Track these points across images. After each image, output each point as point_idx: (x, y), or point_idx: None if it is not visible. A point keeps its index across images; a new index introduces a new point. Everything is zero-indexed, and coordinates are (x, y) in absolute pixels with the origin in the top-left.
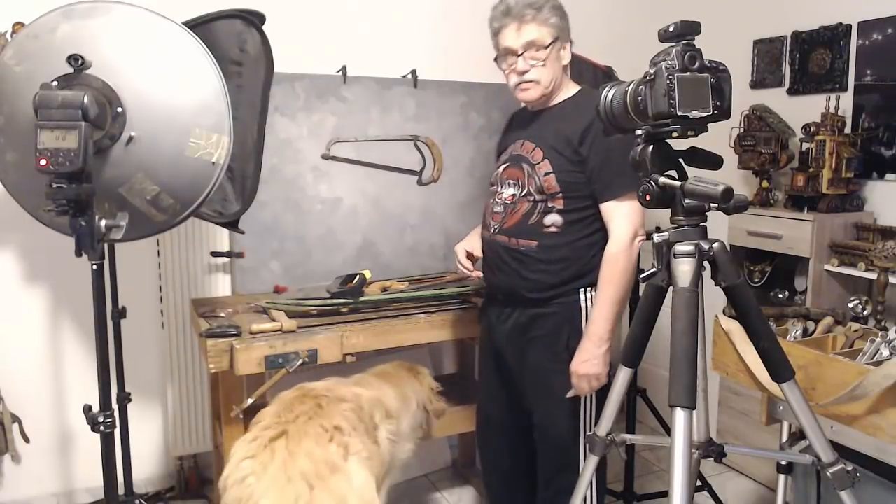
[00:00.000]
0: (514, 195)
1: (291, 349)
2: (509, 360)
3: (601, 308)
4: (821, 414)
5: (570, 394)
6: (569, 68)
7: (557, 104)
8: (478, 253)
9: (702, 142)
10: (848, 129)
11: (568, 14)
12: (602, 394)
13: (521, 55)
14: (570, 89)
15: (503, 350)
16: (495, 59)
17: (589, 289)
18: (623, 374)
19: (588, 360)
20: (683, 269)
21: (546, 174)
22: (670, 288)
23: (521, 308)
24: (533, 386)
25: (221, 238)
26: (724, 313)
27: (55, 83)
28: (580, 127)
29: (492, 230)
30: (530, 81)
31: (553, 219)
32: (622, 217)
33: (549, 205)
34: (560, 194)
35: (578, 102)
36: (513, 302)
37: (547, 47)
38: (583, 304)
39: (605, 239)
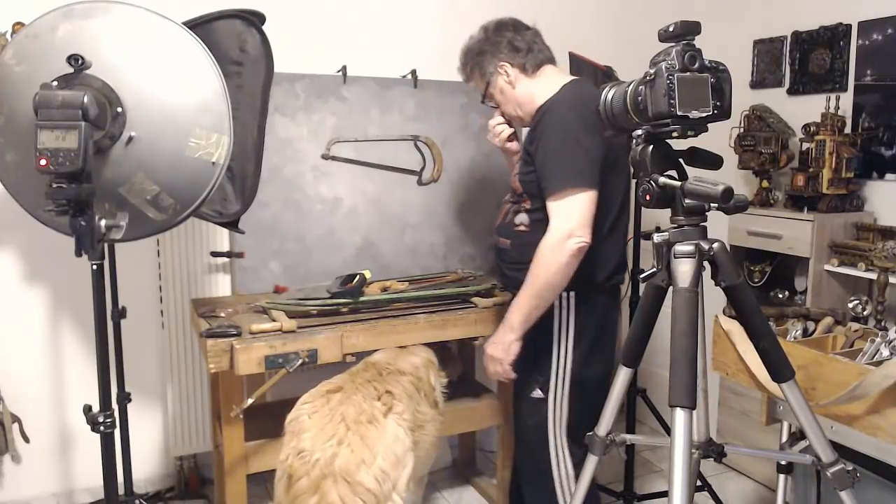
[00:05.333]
0: (507, 197)
1: (291, 349)
2: None
3: (518, 297)
4: (821, 414)
5: (536, 393)
6: (525, 76)
7: (536, 108)
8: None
9: (702, 142)
10: (848, 129)
11: (491, 42)
12: (577, 397)
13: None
14: (549, 91)
15: None
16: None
17: (561, 294)
18: (623, 374)
19: (493, 343)
20: (683, 269)
21: (514, 175)
22: (670, 288)
23: (509, 305)
24: (508, 385)
25: (221, 238)
26: (724, 313)
27: (55, 83)
28: (531, 127)
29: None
30: (509, 120)
31: (522, 218)
32: (555, 215)
33: (521, 205)
34: (525, 194)
35: (542, 106)
36: (511, 299)
37: (484, 97)
38: (555, 309)
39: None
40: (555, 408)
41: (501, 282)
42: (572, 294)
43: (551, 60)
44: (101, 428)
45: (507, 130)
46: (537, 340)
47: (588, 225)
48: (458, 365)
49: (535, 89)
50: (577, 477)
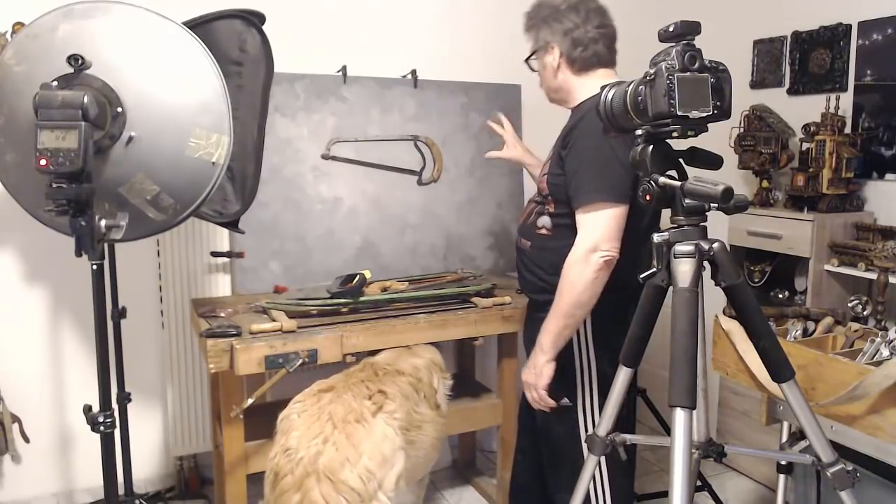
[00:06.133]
0: (533, 195)
1: (291, 349)
2: None
3: (547, 318)
4: (821, 414)
5: (563, 401)
6: (569, 69)
7: (575, 106)
8: (517, 151)
9: (702, 142)
10: (848, 129)
11: (558, 17)
12: (603, 397)
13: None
14: (589, 92)
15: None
16: None
17: None
18: (623, 374)
19: (526, 369)
20: (683, 269)
21: (542, 175)
22: (670, 288)
23: (530, 310)
24: (510, 385)
25: (221, 238)
26: (724, 313)
27: (55, 83)
28: (566, 130)
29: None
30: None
31: (544, 221)
32: (582, 228)
33: (545, 207)
34: (550, 197)
35: (580, 106)
36: (529, 302)
37: (531, 56)
38: None
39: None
40: (585, 414)
41: (519, 283)
42: None
43: (607, 64)
44: (101, 428)
45: (494, 155)
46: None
47: (615, 238)
48: None
49: (575, 86)
50: (610, 481)
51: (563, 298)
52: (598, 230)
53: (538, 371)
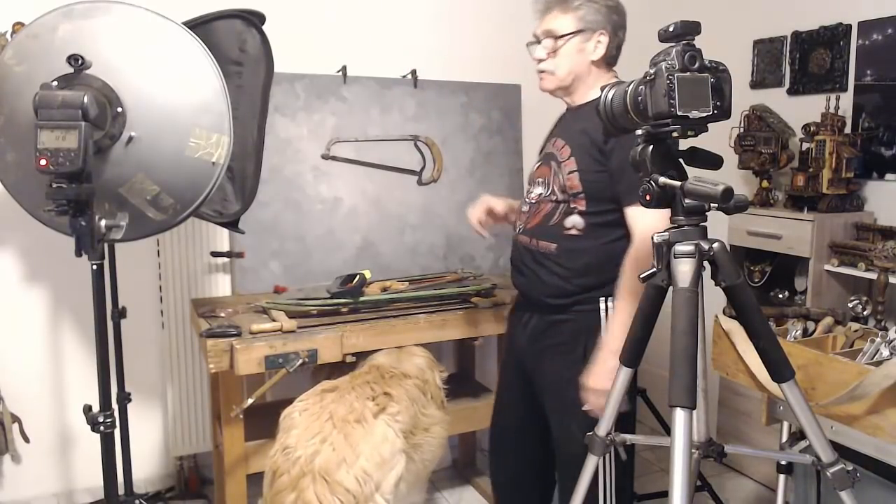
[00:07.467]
0: (540, 194)
1: (291, 349)
2: (528, 366)
3: (619, 317)
4: (821, 414)
5: (586, 406)
6: (601, 61)
7: (591, 101)
8: (499, 210)
9: (702, 142)
10: (848, 129)
11: (615, 10)
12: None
13: (539, 42)
14: (598, 91)
15: (523, 355)
16: (528, 45)
17: (610, 298)
18: (623, 374)
19: (599, 374)
20: (683, 269)
21: (570, 172)
22: (670, 288)
23: (539, 313)
24: (548, 395)
25: (221, 238)
26: (724, 313)
27: (55, 83)
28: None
29: (517, 230)
30: (544, 71)
31: (574, 221)
32: (642, 221)
33: (571, 206)
34: (582, 195)
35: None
36: (532, 306)
37: (562, 37)
38: (603, 314)
39: (629, 247)
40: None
41: (528, 286)
42: (611, 300)
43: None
44: (101, 428)
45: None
46: (588, 351)
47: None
48: None
49: (596, 81)
50: (618, 483)
51: (634, 294)
52: (661, 224)
53: (613, 375)
